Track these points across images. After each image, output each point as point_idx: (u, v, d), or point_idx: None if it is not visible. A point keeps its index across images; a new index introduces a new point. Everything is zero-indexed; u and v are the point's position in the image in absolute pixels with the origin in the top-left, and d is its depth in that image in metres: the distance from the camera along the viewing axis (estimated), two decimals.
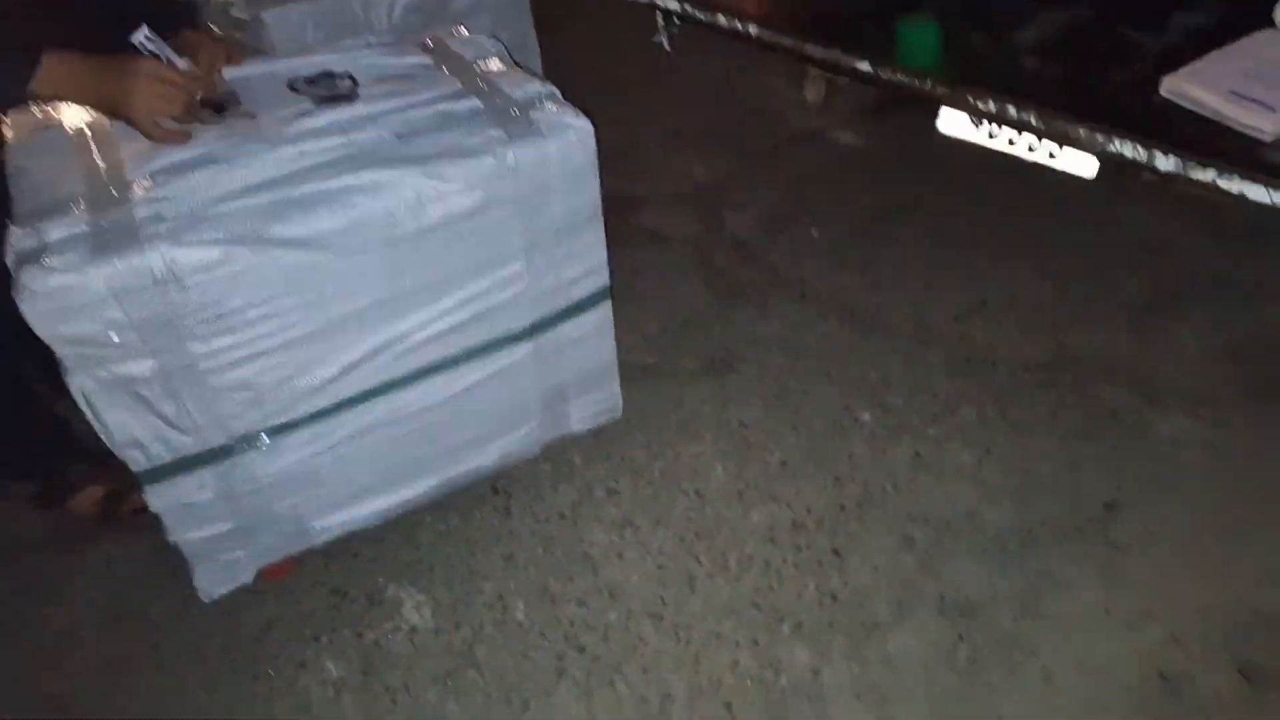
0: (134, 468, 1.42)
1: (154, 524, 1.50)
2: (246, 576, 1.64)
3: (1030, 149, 1.77)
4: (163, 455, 1.42)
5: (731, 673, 1.56)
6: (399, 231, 1.41)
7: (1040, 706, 1.49)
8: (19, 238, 1.25)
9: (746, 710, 1.51)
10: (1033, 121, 1.60)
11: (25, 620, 1.70)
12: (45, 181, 1.37)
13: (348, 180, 1.36)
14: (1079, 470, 1.85)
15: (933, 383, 2.06)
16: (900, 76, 1.72)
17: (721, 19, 1.90)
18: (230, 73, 1.55)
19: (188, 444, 1.43)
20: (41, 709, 1.56)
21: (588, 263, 1.65)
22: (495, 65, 1.63)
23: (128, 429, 1.37)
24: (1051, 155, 1.76)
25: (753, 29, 1.86)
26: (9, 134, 1.49)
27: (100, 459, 1.73)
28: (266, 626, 1.66)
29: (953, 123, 1.76)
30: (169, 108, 1.37)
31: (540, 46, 2.35)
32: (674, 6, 1.97)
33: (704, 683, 1.55)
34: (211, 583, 1.60)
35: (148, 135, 1.38)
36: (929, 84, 1.69)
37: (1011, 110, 1.61)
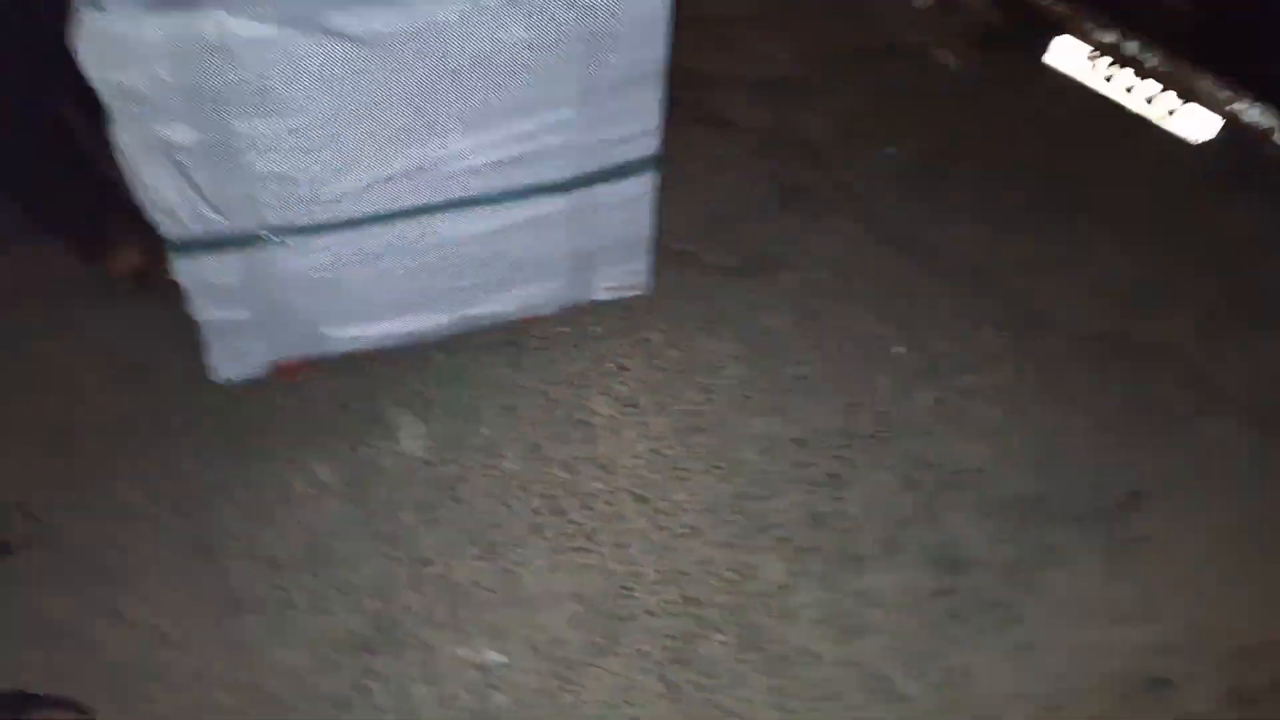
0: (164, 234, 1.44)
1: (182, 296, 1.53)
2: (258, 367, 1.67)
3: (1148, 100, 1.62)
4: (194, 229, 1.43)
5: (701, 568, 1.55)
6: (455, 47, 1.36)
7: (1013, 673, 1.46)
8: None
9: (707, 607, 1.50)
10: (1152, 63, 1.45)
11: (48, 362, 1.76)
12: None
13: None
14: (1109, 453, 1.76)
15: (978, 333, 1.96)
16: None
17: None
18: None
19: (219, 223, 1.44)
20: (47, 446, 1.63)
21: (640, 124, 1.59)
22: None
23: (163, 193, 1.38)
24: (1171, 112, 1.61)
25: None
26: None
27: (144, 222, 1.77)
28: (268, 417, 1.70)
29: (1064, 55, 1.61)
30: None
31: None
32: None
33: (672, 570, 1.54)
34: (224, 364, 1.64)
35: None
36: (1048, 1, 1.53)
37: (1132, 46, 1.45)
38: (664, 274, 1.96)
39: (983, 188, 2.29)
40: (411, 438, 1.70)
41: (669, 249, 2.05)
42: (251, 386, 1.70)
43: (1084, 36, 1.53)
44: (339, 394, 1.74)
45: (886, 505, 1.66)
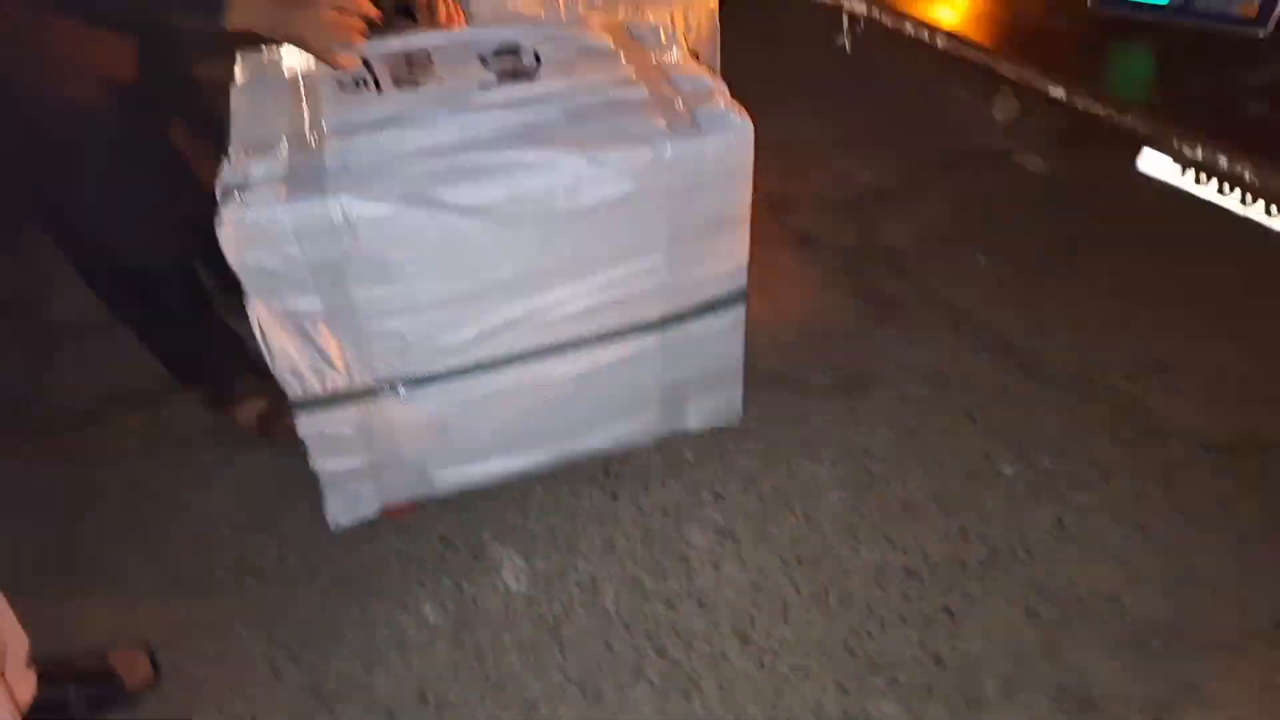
0: (289, 394, 1.54)
1: (302, 445, 1.62)
2: (370, 511, 1.74)
3: (1243, 201, 1.57)
4: (315, 387, 1.53)
5: (813, 715, 1.49)
6: (552, 210, 1.44)
7: None
8: (227, 171, 1.38)
9: None
10: (1246, 176, 1.41)
11: (178, 505, 1.88)
12: (257, 121, 1.50)
13: (513, 155, 1.41)
14: (1250, 574, 1.63)
15: (1091, 445, 1.87)
16: (1098, 107, 1.55)
17: (909, 26, 1.79)
18: (429, 39, 1.64)
19: (338, 380, 1.53)
20: (172, 591, 1.72)
21: (728, 263, 1.62)
22: (670, 56, 1.62)
23: (290, 358, 1.48)
24: (1269, 212, 1.56)
25: (940, 40, 1.74)
26: (238, 74, 1.64)
27: (267, 375, 1.90)
28: (379, 562, 1.75)
29: (1155, 163, 1.58)
30: (343, 35, 1.49)
31: (722, 31, 2.31)
32: (860, 10, 1.87)
33: (781, 717, 1.49)
34: (339, 512, 1.71)
35: (321, 59, 1.51)
36: (1129, 118, 1.52)
37: (1222, 160, 1.42)
38: (757, 396, 1.96)
39: (1080, 291, 2.23)
40: (514, 574, 1.72)
41: (760, 370, 2.06)
42: (363, 530, 1.76)
43: (1170, 150, 1.50)
44: (444, 532, 1.79)
45: (1007, 640, 1.57)
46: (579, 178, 1.42)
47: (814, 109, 2.98)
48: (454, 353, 1.55)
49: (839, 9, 1.93)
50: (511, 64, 1.58)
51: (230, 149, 1.44)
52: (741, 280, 1.67)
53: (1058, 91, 1.58)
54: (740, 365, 1.81)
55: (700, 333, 1.70)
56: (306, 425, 1.58)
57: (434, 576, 1.72)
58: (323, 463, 1.63)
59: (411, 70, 1.58)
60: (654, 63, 1.59)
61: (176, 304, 1.80)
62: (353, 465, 1.65)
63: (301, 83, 1.57)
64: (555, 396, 1.67)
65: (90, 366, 2.21)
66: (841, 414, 1.98)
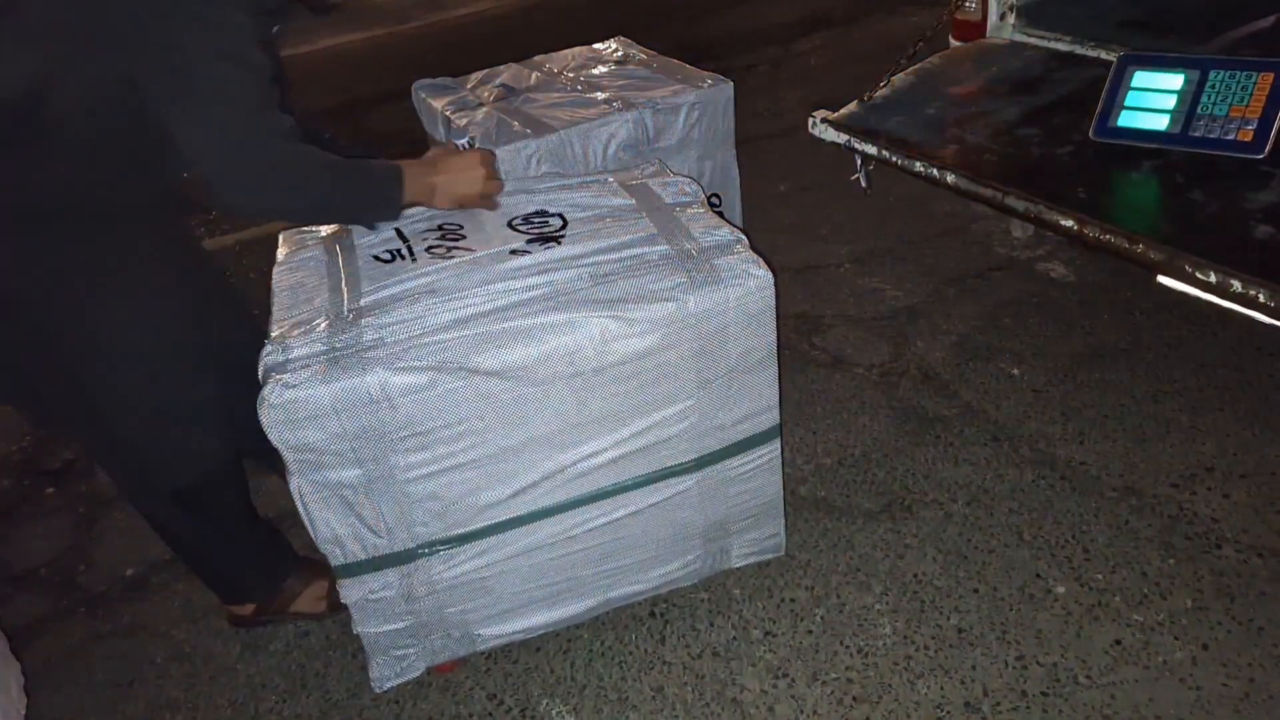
0: (332, 562, 1.56)
1: (346, 611, 1.63)
2: (415, 672, 1.73)
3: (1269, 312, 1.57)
4: (357, 554, 1.55)
5: None
6: (582, 367, 1.48)
7: None
8: (269, 353, 1.44)
9: None
10: (1261, 299, 1.42)
11: (224, 672, 1.89)
12: (297, 299, 1.57)
13: (542, 319, 1.46)
14: None
15: (1143, 558, 1.83)
16: (1109, 237, 1.59)
17: (919, 165, 1.86)
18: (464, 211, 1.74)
19: (380, 545, 1.55)
20: None
21: (758, 402, 1.65)
22: (691, 210, 1.70)
23: (332, 528, 1.51)
24: None
25: (950, 177, 1.81)
26: (280, 252, 1.72)
27: (309, 561, 1.88)
28: None
29: (1174, 280, 1.60)
30: (494, 186, 1.73)
31: (740, 170, 2.41)
32: (871, 151, 1.95)
33: None
34: (383, 675, 1.71)
35: (483, 207, 1.73)
36: (1140, 247, 1.55)
37: (1236, 284, 1.44)
38: (800, 524, 1.94)
39: (1117, 397, 2.22)
40: None
41: (801, 495, 2.06)
42: (408, 690, 1.75)
43: (1183, 276, 1.52)
44: (490, 688, 1.77)
45: None
46: (605, 335, 1.46)
47: (835, 232, 3.06)
48: (492, 510, 1.57)
49: (851, 150, 2.01)
50: (539, 228, 1.66)
51: (271, 329, 1.51)
52: (774, 418, 1.69)
53: (1068, 222, 1.62)
54: (780, 499, 1.81)
55: (736, 471, 1.71)
56: (350, 591, 1.59)
57: None
58: (366, 627, 1.63)
59: (444, 239, 1.66)
60: (675, 217, 1.67)
61: (228, 514, 1.79)
62: (396, 627, 1.65)
63: (340, 257, 1.66)
64: (596, 545, 1.68)
65: (136, 535, 2.26)
66: (888, 538, 1.96)
